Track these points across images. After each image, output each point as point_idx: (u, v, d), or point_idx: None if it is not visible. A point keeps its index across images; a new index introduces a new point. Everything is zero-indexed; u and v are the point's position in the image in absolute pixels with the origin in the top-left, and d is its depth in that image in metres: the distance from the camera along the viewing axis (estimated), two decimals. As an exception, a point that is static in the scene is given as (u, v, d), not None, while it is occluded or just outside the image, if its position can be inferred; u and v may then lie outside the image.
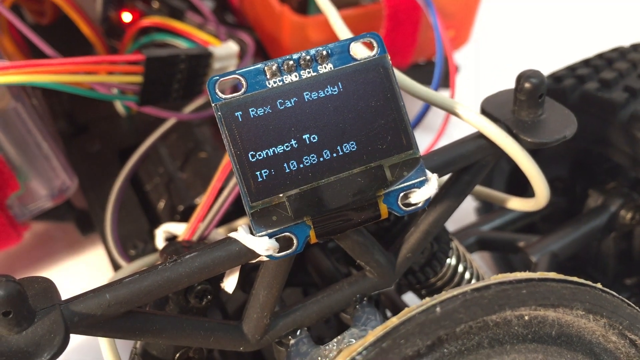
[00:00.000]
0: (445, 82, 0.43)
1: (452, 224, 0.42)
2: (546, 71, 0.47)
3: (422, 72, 0.49)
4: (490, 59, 0.58)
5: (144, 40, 0.41)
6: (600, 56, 0.37)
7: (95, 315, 0.21)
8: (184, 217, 0.37)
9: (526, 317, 0.19)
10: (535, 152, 0.35)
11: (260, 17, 0.45)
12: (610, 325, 0.20)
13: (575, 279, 0.20)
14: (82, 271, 0.47)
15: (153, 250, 0.37)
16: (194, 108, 0.38)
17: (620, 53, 0.37)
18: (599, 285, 0.20)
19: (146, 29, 0.42)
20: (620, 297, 0.20)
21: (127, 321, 0.22)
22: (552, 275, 0.19)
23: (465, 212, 0.44)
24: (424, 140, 0.40)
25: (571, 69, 0.36)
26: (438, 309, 0.18)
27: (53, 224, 0.45)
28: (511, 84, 0.46)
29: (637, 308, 0.20)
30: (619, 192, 0.35)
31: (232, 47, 0.36)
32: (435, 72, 0.40)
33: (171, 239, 0.32)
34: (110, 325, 0.21)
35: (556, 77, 0.36)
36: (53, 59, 0.33)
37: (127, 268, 0.31)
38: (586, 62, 0.37)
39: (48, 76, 0.32)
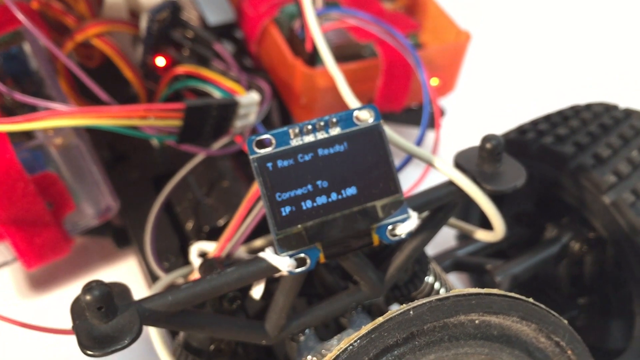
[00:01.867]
0: (432, 123, 0.50)
1: (435, 248, 0.49)
2: (517, 119, 0.55)
3: (414, 114, 0.56)
4: (473, 104, 0.65)
5: (178, 86, 0.48)
6: (558, 113, 0.44)
7: (160, 312, 0.28)
8: (209, 237, 0.44)
9: (476, 321, 0.26)
10: (502, 197, 0.42)
11: (275, 65, 0.52)
12: (539, 330, 0.27)
13: (512, 294, 0.26)
14: (114, 279, 0.54)
15: (183, 263, 0.44)
16: (220, 146, 0.45)
17: (574, 111, 0.44)
18: (530, 299, 0.27)
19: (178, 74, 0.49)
20: (545, 308, 0.27)
21: (181, 317, 0.29)
22: (495, 291, 0.26)
23: (447, 238, 0.51)
24: (414, 174, 0.47)
25: (534, 123, 0.43)
26: (411, 312, 0.24)
27: (91, 238, 0.52)
28: (489, 126, 0.52)
29: (559, 317, 0.27)
30: (570, 226, 0.42)
31: (254, 97, 0.43)
32: (422, 121, 0.47)
33: (202, 255, 0.39)
34: (169, 319, 0.28)
35: (521, 130, 0.43)
36: (112, 106, 0.40)
37: (165, 278, 0.38)
38: (547, 118, 0.44)
39: (108, 120, 0.38)
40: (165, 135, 0.43)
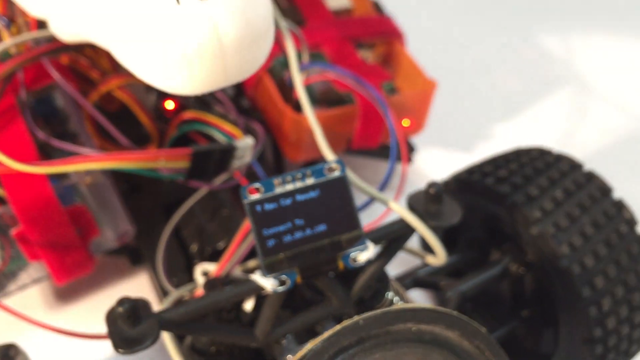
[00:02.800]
0: (400, 157, 0.59)
1: (402, 267, 0.58)
2: (477, 153, 0.63)
3: (388, 150, 0.64)
4: (441, 140, 0.74)
5: (185, 128, 0.56)
6: (502, 156, 0.53)
7: (174, 321, 0.36)
8: (211, 257, 0.52)
9: (412, 328, 0.34)
10: (458, 228, 0.51)
11: (268, 108, 0.61)
12: (462, 335, 0.35)
13: (442, 309, 0.34)
14: (129, 292, 0.62)
15: (188, 280, 0.52)
16: (221, 181, 0.53)
17: (516, 154, 0.52)
18: (455, 312, 0.35)
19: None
20: (466, 318, 0.35)
21: (189, 325, 0.37)
22: (428, 306, 0.34)
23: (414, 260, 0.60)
24: (380, 209, 0.55)
25: (480, 165, 0.52)
26: (361, 321, 0.32)
27: (109, 257, 0.60)
28: (454, 159, 0.60)
29: (478, 325, 0.35)
30: (509, 251, 0.50)
31: (248, 142, 0.51)
32: (390, 159, 0.56)
33: (205, 274, 0.47)
34: (180, 326, 0.36)
35: (470, 171, 0.52)
36: (132, 152, 0.48)
37: (175, 292, 0.46)
38: (492, 160, 0.52)
39: (128, 163, 0.47)
40: (174, 175, 0.52)
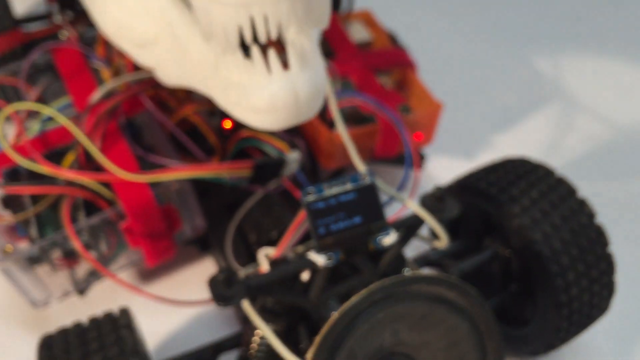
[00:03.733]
0: (413, 165, 0.72)
1: (415, 251, 0.71)
2: (478, 160, 0.76)
3: (403, 159, 0.78)
4: (447, 150, 0.87)
5: (242, 144, 0.69)
6: (493, 165, 0.66)
7: (255, 285, 0.50)
8: (267, 244, 0.66)
9: (423, 289, 0.47)
10: (461, 220, 0.64)
11: (306, 127, 0.73)
12: (459, 294, 0.49)
13: (443, 276, 0.49)
14: (197, 273, 0.76)
15: (247, 263, 0.66)
16: (273, 186, 0.66)
17: (503, 163, 0.65)
18: (453, 277, 0.48)
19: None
20: (459, 281, 0.48)
21: (265, 289, 0.51)
22: (436, 273, 0.48)
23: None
24: (396, 206, 0.68)
25: (476, 172, 0.65)
26: (387, 282, 0.46)
27: (182, 246, 0.73)
28: (459, 166, 0.73)
29: (468, 285, 0.49)
30: (498, 238, 0.64)
31: (295, 156, 0.64)
32: (405, 167, 0.70)
33: (266, 256, 0.61)
34: (258, 290, 0.50)
35: (468, 176, 0.65)
36: (207, 164, 0.62)
37: (243, 270, 0.60)
38: (485, 168, 0.66)
39: (205, 173, 0.61)
40: (237, 181, 0.66)
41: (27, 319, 0.68)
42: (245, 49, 0.44)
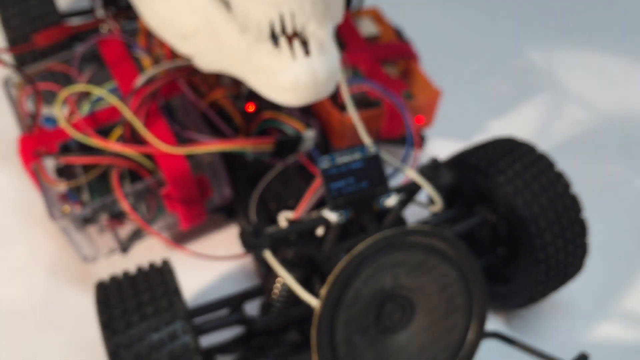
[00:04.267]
0: (414, 146, 0.80)
1: (418, 217, 0.79)
2: (472, 139, 0.84)
3: (404, 140, 0.86)
4: (445, 132, 0.93)
5: (264, 125, 0.78)
6: (483, 143, 0.74)
7: (278, 237, 0.58)
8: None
9: (419, 240, 0.56)
10: (456, 191, 0.73)
11: (320, 110, 0.80)
12: (449, 246, 0.57)
13: (438, 229, 0.57)
14: (222, 238, 0.84)
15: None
16: (291, 160, 0.74)
17: (492, 141, 0.74)
18: (445, 231, 0.57)
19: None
20: (449, 235, 0.57)
21: (286, 240, 0.60)
22: (429, 228, 0.57)
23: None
24: (399, 179, 0.77)
25: (469, 149, 0.73)
26: (389, 233, 0.55)
27: (211, 213, 0.81)
28: (454, 144, 0.82)
29: (458, 240, 0.58)
30: (487, 206, 0.72)
31: (310, 134, 0.72)
32: (407, 145, 0.78)
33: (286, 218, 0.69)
34: (280, 242, 0.59)
35: (462, 153, 0.73)
36: (236, 139, 0.70)
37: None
38: (476, 146, 0.74)
39: (234, 146, 0.69)
40: (260, 155, 0.75)
41: (74, 273, 0.77)
42: (273, 39, 0.52)
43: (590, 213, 0.76)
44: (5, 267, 0.78)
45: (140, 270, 0.61)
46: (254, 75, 0.54)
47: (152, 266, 0.62)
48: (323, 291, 0.54)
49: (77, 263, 0.78)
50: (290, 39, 0.52)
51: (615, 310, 0.77)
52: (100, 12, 0.87)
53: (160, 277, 0.59)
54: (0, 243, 0.80)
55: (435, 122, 0.85)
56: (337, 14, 0.53)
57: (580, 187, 0.72)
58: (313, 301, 0.55)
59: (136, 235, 0.74)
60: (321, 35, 0.52)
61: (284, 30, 0.51)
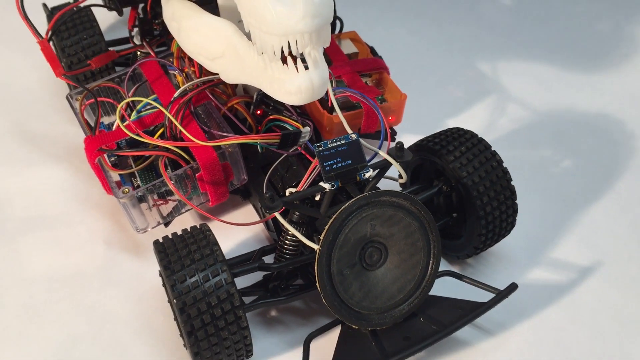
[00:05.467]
0: (386, 138, 0.99)
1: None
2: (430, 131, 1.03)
3: (380, 134, 1.05)
4: (411, 128, 1.08)
5: (270, 124, 0.96)
6: (440, 132, 0.93)
7: (288, 201, 0.76)
8: (289, 190, 0.93)
9: (389, 199, 0.74)
10: (421, 167, 0.92)
11: (313, 111, 0.97)
12: (410, 204, 0.76)
13: (403, 192, 0.76)
14: (240, 214, 1.03)
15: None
16: (291, 151, 0.91)
17: (446, 131, 0.92)
18: (407, 194, 0.75)
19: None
20: (411, 196, 0.75)
21: (292, 204, 0.78)
22: (397, 192, 0.75)
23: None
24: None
25: (427, 137, 0.93)
26: (367, 194, 0.72)
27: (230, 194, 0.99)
28: (417, 136, 1.01)
29: (416, 199, 0.76)
30: (442, 180, 0.90)
31: (308, 129, 0.91)
32: (381, 138, 0.97)
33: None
34: (288, 205, 0.76)
35: (423, 140, 0.91)
36: (250, 135, 0.89)
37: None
38: (434, 134, 0.93)
39: (248, 140, 0.87)
40: (268, 145, 0.93)
41: (126, 244, 0.95)
42: (282, 59, 0.71)
43: (527, 186, 0.94)
44: (72, 242, 0.95)
45: (185, 231, 0.79)
46: (268, 85, 0.72)
47: (194, 227, 0.80)
48: (322, 236, 0.72)
49: (127, 236, 0.95)
50: (294, 58, 0.70)
51: (543, 259, 0.92)
52: (137, 41, 1.05)
53: (202, 234, 0.77)
54: (67, 224, 0.98)
55: (403, 120, 0.97)
56: (326, 40, 0.71)
57: (519, 167, 0.88)
58: (314, 245, 0.74)
59: (174, 211, 0.91)
60: (315, 55, 0.70)
61: (290, 53, 0.70)
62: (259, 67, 0.71)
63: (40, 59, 1.04)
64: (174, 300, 0.69)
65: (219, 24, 0.75)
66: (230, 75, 0.78)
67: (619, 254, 0.92)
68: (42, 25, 1.12)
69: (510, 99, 1.17)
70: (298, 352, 0.81)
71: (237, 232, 0.93)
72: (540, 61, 1.25)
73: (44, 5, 1.11)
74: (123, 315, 0.86)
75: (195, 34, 0.78)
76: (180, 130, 0.84)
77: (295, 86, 0.65)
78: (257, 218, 0.95)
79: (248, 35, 0.74)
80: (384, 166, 0.79)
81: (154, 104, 0.85)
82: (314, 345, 0.78)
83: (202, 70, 0.87)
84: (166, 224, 0.91)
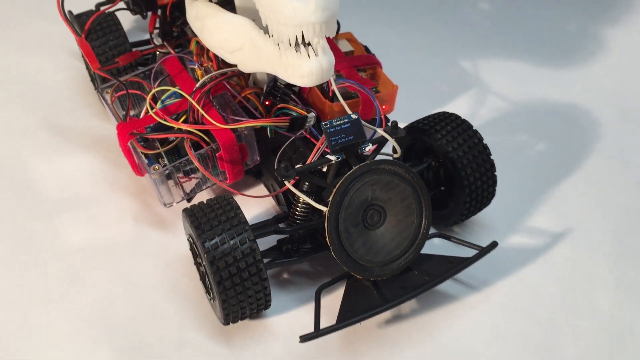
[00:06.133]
0: (381, 124, 1.11)
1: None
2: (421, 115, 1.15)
3: (375, 120, 1.17)
4: (402, 116, 1.24)
5: (279, 112, 1.07)
6: (431, 115, 1.05)
7: (300, 171, 0.87)
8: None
9: (387, 167, 0.86)
10: (412, 147, 1.04)
11: (316, 101, 1.08)
12: (405, 171, 0.88)
13: (400, 162, 0.87)
14: (252, 192, 1.13)
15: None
16: (298, 134, 1.03)
17: (434, 115, 1.04)
18: (402, 163, 0.87)
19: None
20: (406, 166, 0.87)
21: (304, 174, 0.89)
22: (394, 161, 0.87)
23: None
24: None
25: (421, 119, 1.04)
26: (369, 162, 0.83)
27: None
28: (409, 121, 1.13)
29: (410, 169, 0.88)
30: (431, 156, 1.03)
31: (313, 115, 1.01)
32: (377, 122, 1.09)
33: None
34: (301, 175, 0.88)
35: (415, 122, 1.03)
36: (262, 119, 1.01)
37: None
38: (425, 117, 1.05)
39: (262, 123, 0.99)
40: (278, 128, 1.04)
41: (152, 219, 1.06)
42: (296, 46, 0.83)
43: (505, 166, 1.05)
44: (103, 219, 1.06)
45: (210, 200, 0.90)
46: (283, 70, 0.84)
47: (218, 196, 0.91)
48: (330, 198, 0.84)
49: (153, 213, 1.05)
50: (305, 46, 0.82)
51: (520, 227, 1.00)
52: (158, 41, 1.17)
53: (225, 200, 0.88)
54: (97, 203, 1.08)
55: (395, 110, 1.03)
56: (333, 31, 0.83)
57: (499, 150, 0.98)
58: (324, 208, 0.85)
59: (197, 187, 1.03)
60: (323, 43, 0.82)
61: (303, 41, 0.82)
62: (274, 55, 0.82)
63: (64, 62, 1.15)
64: (205, 255, 0.80)
65: (238, 21, 0.87)
66: (248, 65, 0.89)
67: (585, 222, 1.03)
68: (58, 33, 1.24)
69: (490, 92, 1.26)
70: (308, 307, 0.92)
71: (251, 206, 1.04)
72: (516, 59, 1.35)
73: (69, 12, 1.22)
74: (153, 279, 0.97)
75: (218, 30, 0.89)
76: (202, 115, 0.94)
77: (308, 70, 0.76)
78: (270, 201, 1.06)
79: (264, 30, 0.85)
80: (381, 142, 0.90)
81: (181, 92, 0.96)
82: (323, 300, 0.89)
83: (220, 65, 0.98)
84: (189, 200, 1.01)
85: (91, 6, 1.21)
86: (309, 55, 0.79)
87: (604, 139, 1.16)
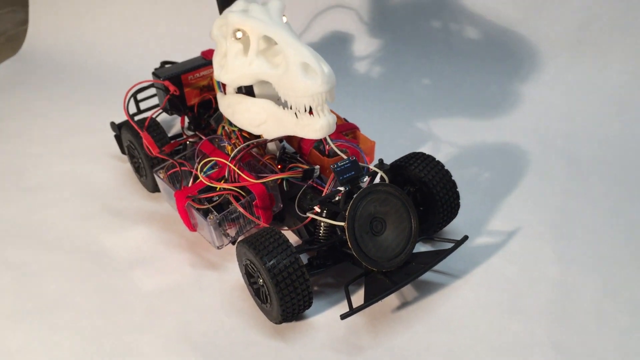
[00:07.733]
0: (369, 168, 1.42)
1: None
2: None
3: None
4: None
5: (292, 168, 1.39)
6: (406, 155, 1.38)
7: (319, 200, 1.17)
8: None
9: (383, 189, 1.15)
10: (393, 181, 1.36)
11: (315, 159, 1.40)
12: (395, 192, 1.18)
13: (393, 185, 1.18)
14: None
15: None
16: (307, 183, 1.34)
17: (409, 155, 1.36)
18: (395, 186, 1.18)
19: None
20: (395, 187, 1.18)
21: (324, 201, 1.19)
22: (388, 185, 1.18)
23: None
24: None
25: (398, 159, 1.36)
26: (371, 186, 1.15)
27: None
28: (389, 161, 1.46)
29: (400, 190, 1.19)
30: (410, 184, 1.33)
31: (317, 168, 1.29)
32: (365, 168, 1.41)
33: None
34: (320, 202, 1.18)
35: (397, 161, 1.37)
36: (283, 173, 1.32)
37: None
38: (403, 157, 1.37)
39: (282, 176, 1.26)
40: (294, 179, 1.33)
41: (205, 264, 1.33)
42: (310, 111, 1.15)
43: (464, 191, 1.35)
44: (168, 268, 1.29)
45: (256, 233, 1.19)
46: (300, 129, 1.14)
47: (261, 230, 1.20)
48: (347, 213, 1.14)
49: (204, 260, 1.28)
50: (316, 110, 1.14)
51: (483, 230, 1.17)
52: (188, 132, 1.49)
53: (271, 231, 1.17)
54: (160, 259, 1.32)
55: (375, 158, 1.31)
56: (333, 98, 1.14)
57: (457, 180, 1.23)
58: (342, 223, 1.16)
59: (238, 233, 1.32)
60: (327, 107, 1.14)
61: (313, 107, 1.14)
62: (292, 121, 1.13)
63: (108, 163, 1.46)
64: (267, 272, 1.07)
65: (262, 103, 1.19)
66: (271, 133, 1.20)
67: (529, 220, 1.29)
68: (100, 142, 1.55)
69: (442, 142, 1.46)
70: (336, 307, 1.19)
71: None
72: (458, 116, 1.56)
73: (112, 123, 1.54)
74: (216, 303, 1.22)
75: (246, 112, 1.21)
76: (239, 175, 1.25)
77: (319, 125, 1.04)
78: (292, 235, 1.36)
79: (282, 106, 1.17)
80: (373, 175, 1.22)
81: (223, 161, 1.27)
82: (351, 291, 1.16)
83: (244, 140, 1.29)
84: (233, 242, 1.30)
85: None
86: (319, 115, 1.11)
87: (532, 164, 1.41)
